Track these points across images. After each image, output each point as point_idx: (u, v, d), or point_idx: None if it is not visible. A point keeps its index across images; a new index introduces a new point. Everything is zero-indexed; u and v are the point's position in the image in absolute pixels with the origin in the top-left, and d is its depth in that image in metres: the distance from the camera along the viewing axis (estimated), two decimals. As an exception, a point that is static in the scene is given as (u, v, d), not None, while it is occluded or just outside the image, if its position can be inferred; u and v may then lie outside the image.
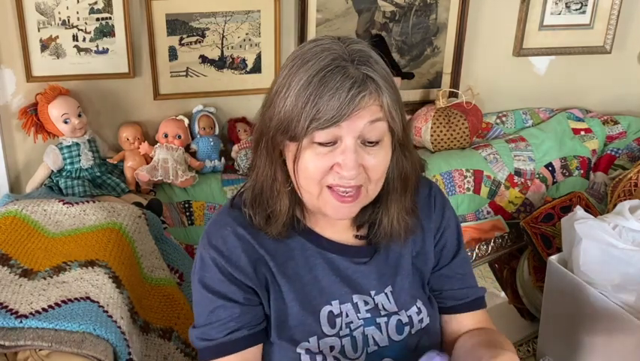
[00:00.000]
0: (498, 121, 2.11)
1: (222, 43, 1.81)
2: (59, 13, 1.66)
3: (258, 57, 1.86)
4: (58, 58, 1.69)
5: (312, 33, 1.86)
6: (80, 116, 1.67)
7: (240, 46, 1.83)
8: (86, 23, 1.68)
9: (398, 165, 0.99)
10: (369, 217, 1.04)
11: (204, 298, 1.00)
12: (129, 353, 1.24)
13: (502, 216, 1.93)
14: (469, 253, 1.83)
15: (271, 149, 0.96)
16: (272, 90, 0.95)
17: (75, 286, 1.29)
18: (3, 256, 1.34)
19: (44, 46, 1.68)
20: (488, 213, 1.92)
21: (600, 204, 1.95)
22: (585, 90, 2.21)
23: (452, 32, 1.99)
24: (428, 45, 2.00)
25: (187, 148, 1.79)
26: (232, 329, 0.98)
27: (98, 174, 1.70)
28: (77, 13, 1.67)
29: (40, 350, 1.18)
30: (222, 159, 1.83)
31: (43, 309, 1.22)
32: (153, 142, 1.78)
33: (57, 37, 1.68)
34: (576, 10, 2.08)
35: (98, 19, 1.69)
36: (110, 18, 1.69)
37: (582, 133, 2.09)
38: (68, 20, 1.67)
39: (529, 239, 1.79)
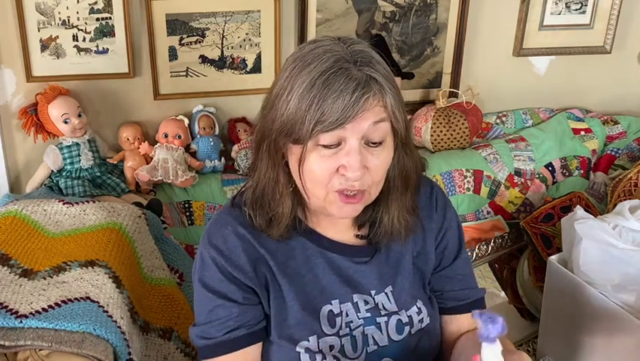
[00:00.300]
0: (498, 121, 2.11)
1: (222, 44, 1.81)
2: (59, 13, 1.66)
3: (258, 57, 1.86)
4: (58, 58, 1.69)
5: (312, 33, 1.86)
6: (79, 116, 1.67)
7: (240, 46, 1.83)
8: (86, 23, 1.68)
9: (399, 164, 0.99)
10: (370, 216, 1.04)
11: (204, 297, 1.00)
12: (129, 353, 1.24)
13: (502, 216, 1.93)
14: (469, 253, 1.83)
15: (273, 151, 0.95)
16: (272, 93, 0.94)
17: (75, 286, 1.29)
18: (3, 256, 1.34)
19: (44, 46, 1.68)
20: (488, 213, 1.93)
21: (600, 204, 1.95)
22: (585, 90, 2.21)
23: (452, 32, 1.99)
24: (428, 45, 2.00)
25: (187, 148, 1.79)
26: (231, 328, 0.99)
27: (98, 174, 1.70)
28: (77, 13, 1.67)
29: (40, 350, 1.18)
30: (222, 159, 1.83)
31: (43, 309, 1.22)
32: (153, 142, 1.77)
33: (57, 37, 1.68)
34: (576, 10, 2.08)
35: (98, 19, 1.69)
36: (110, 18, 1.69)
37: (582, 133, 2.09)
38: (68, 20, 1.67)
39: (529, 239, 1.79)
